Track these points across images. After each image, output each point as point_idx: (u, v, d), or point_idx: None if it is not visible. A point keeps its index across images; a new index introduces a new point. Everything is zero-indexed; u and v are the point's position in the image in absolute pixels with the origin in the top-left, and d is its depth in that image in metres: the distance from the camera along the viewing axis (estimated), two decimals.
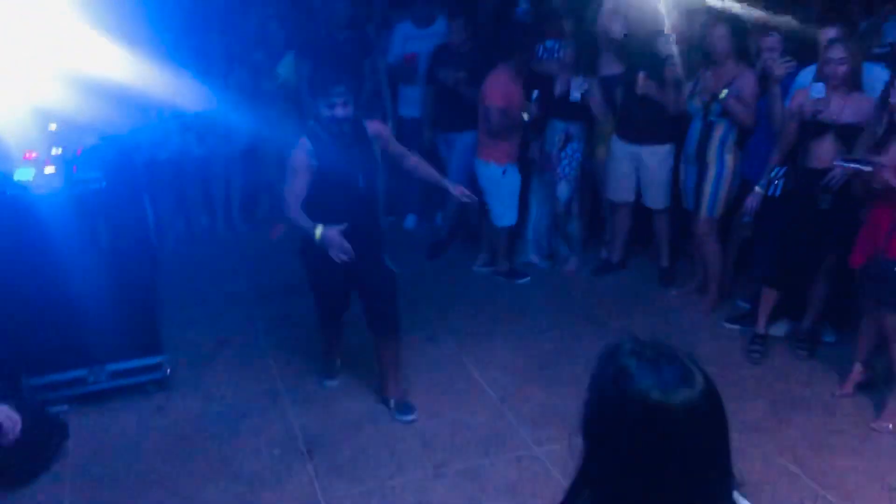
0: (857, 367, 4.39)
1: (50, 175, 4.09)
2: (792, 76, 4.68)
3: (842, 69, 4.24)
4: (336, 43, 6.16)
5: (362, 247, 3.94)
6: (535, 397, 4.42)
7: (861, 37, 5.00)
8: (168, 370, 4.50)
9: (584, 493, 1.43)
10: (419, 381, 4.54)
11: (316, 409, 4.35)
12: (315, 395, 4.49)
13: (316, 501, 3.70)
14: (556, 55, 5.91)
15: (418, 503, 3.68)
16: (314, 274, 4.18)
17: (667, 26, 5.09)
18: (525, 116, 5.51)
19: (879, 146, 4.02)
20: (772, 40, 4.80)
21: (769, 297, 4.78)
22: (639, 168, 5.61)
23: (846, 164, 4.12)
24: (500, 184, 5.76)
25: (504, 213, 5.85)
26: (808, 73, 4.63)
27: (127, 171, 4.45)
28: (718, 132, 5.03)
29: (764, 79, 4.83)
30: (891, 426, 4.09)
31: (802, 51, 4.75)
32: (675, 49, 5.07)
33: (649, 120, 5.38)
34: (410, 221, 6.89)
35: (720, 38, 4.91)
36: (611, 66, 5.67)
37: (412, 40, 6.37)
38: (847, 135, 4.27)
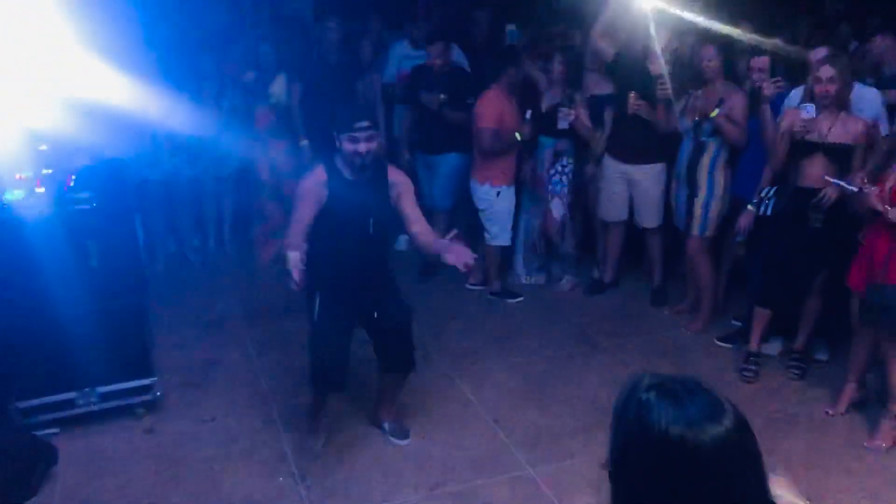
0: (851, 387, 4.39)
1: (40, 195, 4.07)
2: (782, 96, 4.72)
3: (832, 89, 4.27)
4: (328, 64, 6.17)
5: (372, 288, 3.87)
6: (529, 417, 4.40)
7: (850, 57, 5.04)
8: (158, 392, 4.46)
9: None
10: (412, 402, 4.51)
11: (308, 432, 4.32)
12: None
13: None
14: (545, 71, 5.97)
15: None
16: (319, 319, 3.87)
17: (657, 46, 5.11)
18: (518, 136, 5.53)
19: (876, 172, 4.06)
20: (761, 61, 4.84)
21: (761, 315, 4.78)
22: (631, 187, 5.63)
23: (834, 182, 4.20)
24: (495, 205, 5.78)
25: (499, 234, 5.87)
26: (797, 93, 4.67)
27: (118, 192, 4.43)
28: (709, 152, 5.06)
29: (753, 98, 4.86)
30: (884, 445, 4.08)
31: (791, 71, 4.79)
32: (665, 69, 5.10)
33: (641, 139, 5.41)
34: (402, 242, 6.88)
35: (710, 58, 4.95)
36: (600, 86, 5.71)
37: (409, 60, 6.40)
38: (837, 154, 4.30)
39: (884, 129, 4.55)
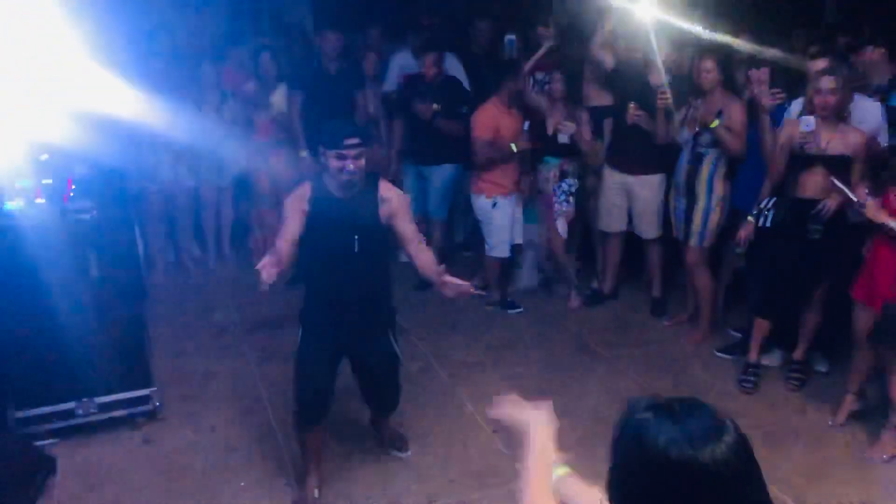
0: (850, 398, 4.38)
1: (40, 206, 4.08)
2: (781, 108, 4.72)
3: (832, 100, 4.27)
4: (328, 74, 6.18)
5: (361, 321, 3.70)
6: None
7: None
8: (157, 402, 4.46)
9: None
10: (411, 412, 4.50)
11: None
12: None
13: None
14: (545, 87, 5.98)
15: None
16: (302, 343, 3.77)
17: (657, 57, 5.13)
18: (514, 148, 5.53)
19: (880, 185, 4.08)
20: (761, 72, 4.84)
21: (761, 326, 4.78)
22: (630, 198, 5.64)
23: (838, 184, 4.20)
24: (491, 216, 5.77)
25: (496, 245, 5.86)
26: (797, 104, 4.68)
27: (118, 202, 4.44)
28: (708, 162, 5.06)
29: (752, 109, 4.87)
30: (885, 456, 4.08)
31: (790, 83, 4.80)
32: (665, 79, 5.11)
33: (640, 150, 5.42)
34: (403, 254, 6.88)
35: (708, 69, 4.95)
36: (600, 98, 5.72)
37: (409, 70, 6.40)
38: (835, 166, 4.30)
39: (883, 140, 4.56)
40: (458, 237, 6.97)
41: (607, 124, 5.67)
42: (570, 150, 5.67)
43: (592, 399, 4.63)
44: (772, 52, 5.00)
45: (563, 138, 5.54)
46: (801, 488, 3.87)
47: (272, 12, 8.37)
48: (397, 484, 3.98)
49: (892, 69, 5.00)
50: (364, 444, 4.29)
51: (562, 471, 1.76)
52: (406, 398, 4.36)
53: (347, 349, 3.81)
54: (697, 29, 5.19)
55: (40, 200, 4.09)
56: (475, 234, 6.00)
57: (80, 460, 4.13)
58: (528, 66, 5.91)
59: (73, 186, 4.28)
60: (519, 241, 5.98)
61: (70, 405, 4.23)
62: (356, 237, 3.57)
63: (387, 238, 3.81)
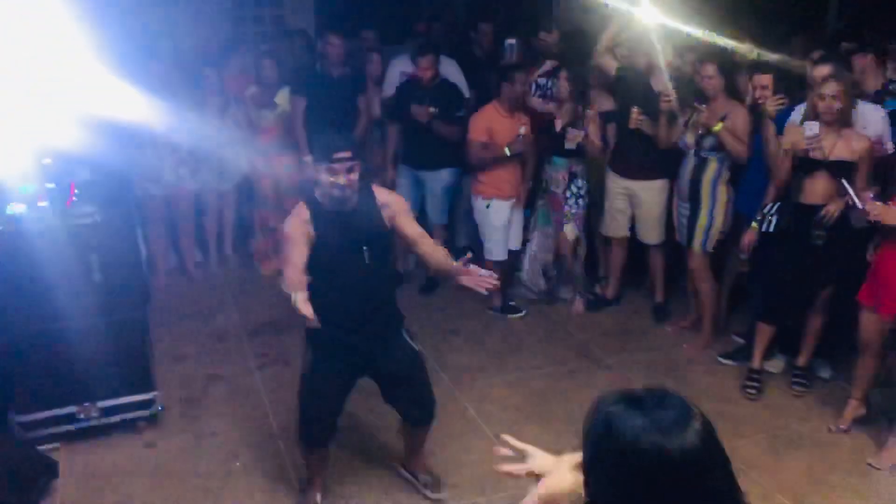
0: (853, 404, 4.38)
1: (43, 209, 4.08)
2: (784, 113, 4.72)
3: (835, 105, 4.26)
4: (330, 79, 6.18)
5: (377, 329, 3.60)
6: (531, 434, 4.35)
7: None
8: (160, 406, 4.45)
9: None
10: None
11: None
12: None
13: None
14: (548, 92, 5.97)
15: None
16: (312, 366, 3.64)
17: (660, 61, 5.12)
18: (507, 151, 5.50)
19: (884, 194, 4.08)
20: (764, 78, 4.84)
21: (764, 332, 4.77)
22: (633, 203, 5.63)
23: (846, 187, 4.18)
24: (486, 218, 5.76)
25: (492, 248, 5.84)
26: (798, 110, 4.67)
27: (120, 206, 4.43)
28: (711, 168, 5.05)
29: (754, 115, 4.86)
30: (890, 463, 4.06)
31: (792, 88, 4.80)
32: (669, 84, 5.10)
33: (643, 155, 5.42)
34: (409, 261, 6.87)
35: (710, 75, 4.95)
36: (603, 103, 5.71)
37: (409, 74, 6.39)
38: (839, 171, 4.29)
39: (888, 146, 4.55)
40: (460, 242, 6.96)
41: (611, 129, 5.67)
42: (579, 150, 5.63)
43: None
44: (773, 58, 5.00)
45: (569, 145, 5.51)
46: (806, 495, 3.87)
47: (275, 17, 8.38)
48: (400, 490, 3.98)
49: (883, 75, 4.99)
50: (364, 448, 4.28)
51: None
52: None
53: (363, 368, 3.70)
54: (699, 34, 5.19)
55: (43, 204, 4.08)
56: (477, 240, 5.98)
57: (81, 464, 4.13)
58: (531, 76, 5.91)
59: (76, 191, 4.27)
60: (514, 247, 5.95)
61: (72, 409, 4.22)
62: (365, 248, 3.48)
63: (392, 243, 3.75)
